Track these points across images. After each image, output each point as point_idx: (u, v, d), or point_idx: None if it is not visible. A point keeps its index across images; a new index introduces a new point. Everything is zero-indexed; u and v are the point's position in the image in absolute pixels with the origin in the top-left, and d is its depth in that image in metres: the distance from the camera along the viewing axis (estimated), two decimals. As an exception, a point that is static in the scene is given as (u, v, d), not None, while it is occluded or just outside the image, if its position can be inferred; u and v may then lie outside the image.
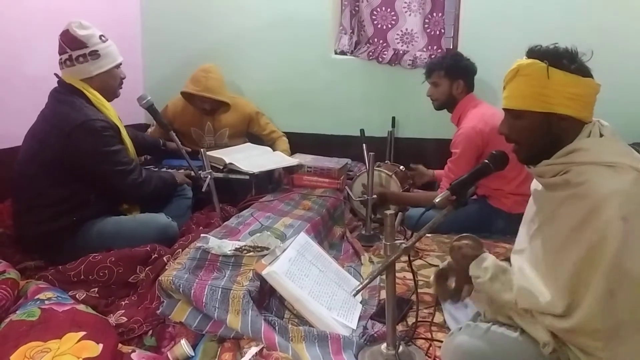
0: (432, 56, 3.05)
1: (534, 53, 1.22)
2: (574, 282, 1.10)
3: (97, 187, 2.01)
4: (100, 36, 2.04)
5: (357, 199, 2.60)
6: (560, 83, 1.17)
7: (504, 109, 1.28)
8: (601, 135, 1.20)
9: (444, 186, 2.39)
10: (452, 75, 2.49)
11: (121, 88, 2.18)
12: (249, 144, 3.01)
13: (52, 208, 1.93)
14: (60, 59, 2.02)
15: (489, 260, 1.27)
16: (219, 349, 1.44)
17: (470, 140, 2.35)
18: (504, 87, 1.27)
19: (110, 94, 2.12)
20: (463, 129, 2.39)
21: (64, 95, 2.00)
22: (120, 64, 2.13)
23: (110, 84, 2.10)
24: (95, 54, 2.01)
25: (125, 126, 2.20)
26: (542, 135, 1.22)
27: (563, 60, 1.18)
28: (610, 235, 1.05)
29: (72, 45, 1.99)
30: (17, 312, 1.41)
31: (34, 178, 1.95)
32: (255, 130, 3.15)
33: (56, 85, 2.04)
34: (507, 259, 1.48)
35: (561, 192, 1.18)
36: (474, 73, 2.55)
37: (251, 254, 1.75)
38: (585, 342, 1.11)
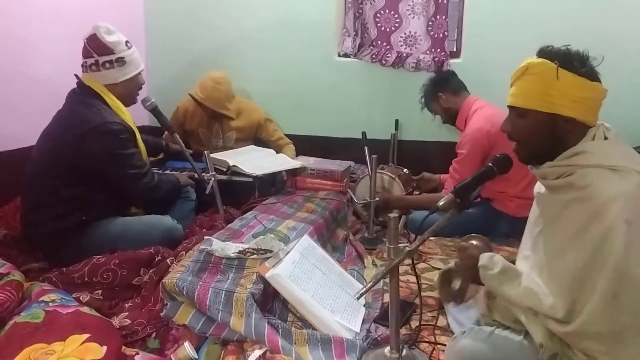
0: (436, 59, 3.06)
1: (545, 53, 1.21)
2: (576, 285, 1.10)
3: (108, 188, 2.01)
4: (126, 42, 2.05)
5: (360, 202, 2.60)
6: (568, 85, 1.16)
7: (509, 107, 1.28)
8: (605, 139, 1.20)
9: (449, 187, 2.39)
10: (432, 97, 2.57)
11: (138, 94, 2.20)
12: (252, 146, 3.01)
13: (61, 207, 1.94)
14: (85, 62, 2.02)
15: (498, 256, 1.27)
16: (223, 352, 1.45)
17: (476, 141, 2.35)
18: (511, 84, 1.26)
19: (129, 100, 2.14)
20: (469, 130, 2.40)
21: (83, 97, 2.01)
22: (142, 70, 2.15)
23: (131, 90, 2.13)
24: (121, 61, 2.02)
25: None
26: (545, 136, 1.22)
27: (574, 62, 1.17)
28: (614, 238, 1.05)
29: (99, 50, 1.99)
30: (21, 314, 1.41)
31: (46, 177, 1.95)
32: (263, 136, 3.16)
33: (74, 86, 2.05)
34: (512, 262, 1.48)
35: (564, 195, 1.18)
36: (447, 79, 2.58)
37: (254, 256, 1.75)
38: (588, 345, 1.10)
